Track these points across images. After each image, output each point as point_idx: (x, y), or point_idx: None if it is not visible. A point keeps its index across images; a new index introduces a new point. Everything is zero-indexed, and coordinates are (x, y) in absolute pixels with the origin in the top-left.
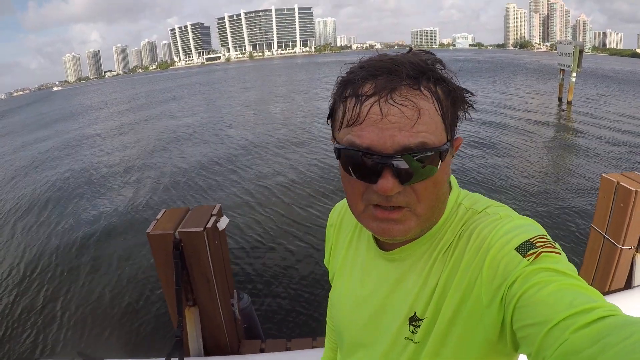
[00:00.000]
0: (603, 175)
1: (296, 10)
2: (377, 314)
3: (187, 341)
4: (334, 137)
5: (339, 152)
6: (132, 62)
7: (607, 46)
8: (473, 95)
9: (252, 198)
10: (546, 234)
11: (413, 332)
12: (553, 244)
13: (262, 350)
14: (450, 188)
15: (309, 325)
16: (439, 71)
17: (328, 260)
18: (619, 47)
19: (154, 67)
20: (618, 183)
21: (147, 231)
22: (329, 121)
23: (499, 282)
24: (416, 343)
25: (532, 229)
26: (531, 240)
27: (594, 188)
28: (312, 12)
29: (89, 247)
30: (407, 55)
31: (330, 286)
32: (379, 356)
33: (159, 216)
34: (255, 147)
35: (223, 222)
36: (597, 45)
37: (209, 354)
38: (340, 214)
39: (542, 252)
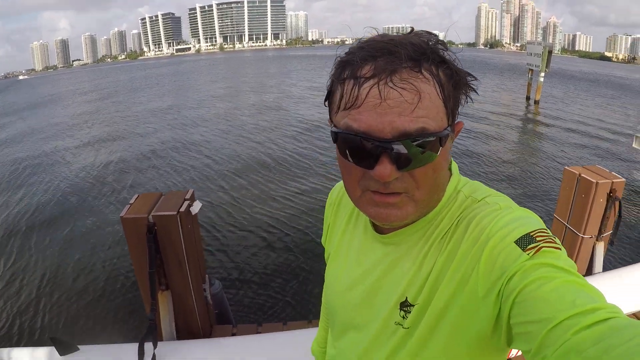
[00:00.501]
0: (565, 167)
1: (268, 3)
2: (370, 296)
3: (159, 325)
4: (331, 120)
5: (335, 136)
6: (101, 51)
7: (577, 48)
8: (476, 79)
9: (224, 185)
10: (545, 227)
11: (403, 318)
12: (553, 238)
13: (233, 335)
14: (451, 174)
15: (280, 310)
16: (441, 53)
17: (325, 239)
18: (588, 50)
19: (123, 56)
20: (580, 175)
21: (120, 215)
22: (326, 103)
23: (497, 275)
24: (406, 329)
25: (532, 221)
26: (531, 234)
27: (556, 180)
28: (284, 5)
29: (60, 233)
30: (408, 36)
31: (324, 268)
32: (369, 339)
33: (132, 201)
34: (227, 135)
35: (196, 207)
36: (566, 47)
37: (181, 338)
38: (340, 194)
39: (542, 246)
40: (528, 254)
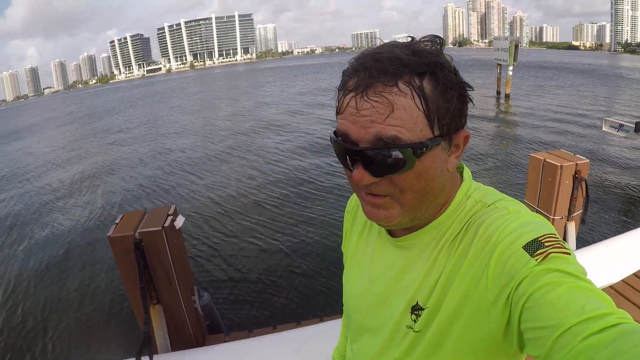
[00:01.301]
0: (531, 154)
1: (236, 18)
2: (382, 299)
3: (154, 338)
4: None
5: (330, 139)
6: (72, 77)
7: (544, 40)
8: (472, 88)
9: (204, 198)
10: (555, 232)
11: (414, 321)
12: (562, 243)
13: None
14: (462, 180)
15: (270, 315)
16: (429, 62)
17: (344, 246)
18: (555, 41)
19: (94, 81)
20: (545, 160)
21: (107, 234)
22: None
23: (506, 280)
24: (416, 332)
25: (540, 226)
26: (540, 239)
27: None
28: (252, 19)
29: (51, 257)
30: (395, 49)
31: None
32: (381, 342)
33: (117, 220)
34: (202, 150)
35: (179, 221)
36: (534, 39)
37: (175, 350)
38: (357, 202)
39: (550, 252)
40: (536, 260)
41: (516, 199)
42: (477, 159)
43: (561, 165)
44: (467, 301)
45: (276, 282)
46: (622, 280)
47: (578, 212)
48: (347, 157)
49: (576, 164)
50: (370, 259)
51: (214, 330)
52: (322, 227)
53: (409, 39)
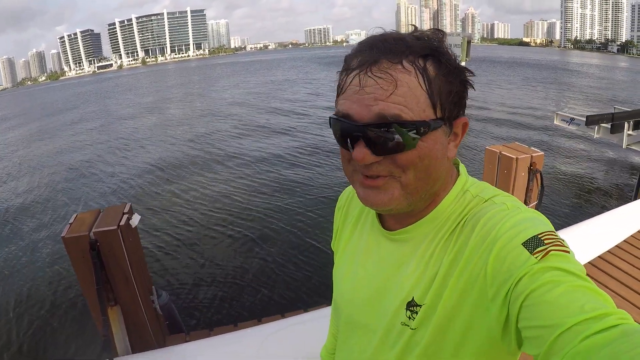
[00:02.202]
0: (487, 147)
1: (189, 13)
2: (375, 295)
3: (113, 341)
4: None
5: (329, 121)
6: (20, 74)
7: (496, 36)
8: (472, 74)
9: (158, 195)
10: (553, 229)
11: (410, 318)
12: (562, 241)
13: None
14: (458, 174)
15: (230, 312)
16: (431, 46)
17: (334, 243)
18: (506, 37)
19: (44, 78)
20: (500, 153)
21: (61, 235)
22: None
23: (505, 277)
24: (413, 329)
25: (539, 223)
26: (539, 236)
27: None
28: (204, 15)
29: (1, 264)
30: (400, 33)
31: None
32: (376, 340)
33: (71, 220)
34: (154, 146)
35: (135, 219)
36: (485, 36)
37: (136, 352)
38: (348, 198)
39: (550, 250)
40: (536, 257)
41: None
42: None
43: (517, 158)
44: (465, 297)
45: (236, 279)
46: None
47: (533, 203)
48: (348, 138)
49: (531, 156)
50: (363, 253)
51: (174, 330)
52: (281, 222)
53: (412, 27)
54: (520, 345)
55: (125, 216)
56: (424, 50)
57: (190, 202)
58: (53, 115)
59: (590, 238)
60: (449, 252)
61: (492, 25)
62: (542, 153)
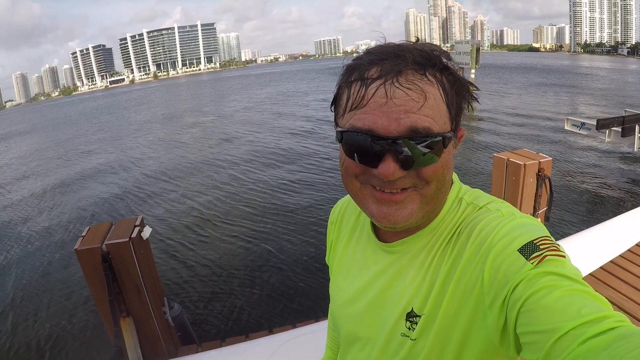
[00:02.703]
0: (495, 154)
1: (199, 27)
2: (374, 307)
3: (126, 352)
4: (336, 123)
5: (341, 135)
6: (34, 89)
7: (505, 43)
8: (477, 89)
9: (171, 208)
10: (549, 234)
11: (410, 329)
12: (557, 246)
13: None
14: (452, 182)
15: (242, 323)
16: (445, 61)
17: (329, 257)
18: (516, 43)
19: (57, 93)
20: (508, 160)
21: (74, 248)
22: (332, 108)
23: (502, 284)
24: (413, 340)
25: (535, 228)
26: (535, 242)
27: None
28: (215, 28)
29: (18, 277)
30: (414, 44)
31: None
32: (376, 352)
33: (84, 233)
34: (168, 160)
35: (147, 232)
36: (495, 42)
37: None
38: (341, 211)
39: (546, 255)
40: (532, 263)
41: None
42: None
43: (524, 164)
44: (464, 306)
45: (247, 289)
46: (590, 274)
47: (543, 210)
48: (371, 153)
49: (539, 162)
50: (359, 266)
51: (186, 341)
52: (293, 235)
53: (415, 39)
54: (519, 351)
55: (137, 228)
56: (440, 63)
57: (202, 213)
58: (66, 129)
59: (602, 242)
60: (446, 261)
61: (502, 32)
62: (550, 158)
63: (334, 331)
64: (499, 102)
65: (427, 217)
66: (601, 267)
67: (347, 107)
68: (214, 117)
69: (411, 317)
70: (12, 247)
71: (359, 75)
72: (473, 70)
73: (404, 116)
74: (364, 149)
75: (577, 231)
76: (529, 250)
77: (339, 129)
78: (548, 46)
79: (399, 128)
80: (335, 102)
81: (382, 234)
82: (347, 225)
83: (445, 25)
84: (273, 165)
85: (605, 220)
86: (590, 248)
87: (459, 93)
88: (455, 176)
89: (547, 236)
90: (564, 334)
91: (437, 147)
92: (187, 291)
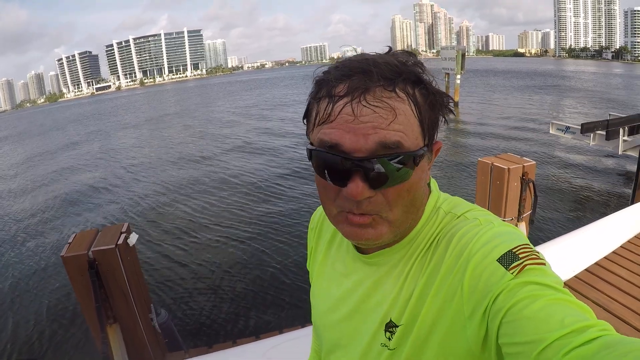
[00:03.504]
0: (479, 159)
1: (185, 34)
2: (353, 315)
3: (112, 359)
4: (308, 138)
5: (310, 153)
6: (20, 96)
7: (490, 48)
8: (452, 100)
9: (156, 215)
10: (528, 242)
11: (389, 339)
12: (537, 254)
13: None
14: (430, 191)
15: (228, 329)
16: (418, 73)
17: (309, 263)
18: (501, 48)
19: (43, 100)
20: (492, 164)
21: (61, 254)
22: (304, 121)
23: (482, 295)
24: (391, 350)
25: (513, 237)
26: (514, 251)
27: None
28: (201, 35)
29: (3, 283)
30: (384, 56)
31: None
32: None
33: (70, 240)
34: (152, 167)
35: (133, 238)
36: (481, 48)
37: None
38: (321, 217)
39: (526, 264)
40: (512, 273)
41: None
42: None
43: (508, 168)
44: (442, 315)
45: (234, 296)
46: (575, 276)
47: (527, 213)
48: (339, 172)
49: (523, 166)
50: (339, 275)
51: (173, 348)
52: (280, 241)
53: (387, 49)
54: None
55: (123, 235)
56: (412, 76)
57: (188, 221)
58: (52, 136)
59: (586, 245)
60: (424, 271)
61: (487, 38)
62: (534, 162)
63: (317, 338)
64: (484, 106)
65: (402, 234)
66: (586, 269)
67: (315, 122)
68: (201, 122)
69: (390, 327)
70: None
71: (327, 91)
72: (459, 76)
73: (371, 132)
74: (332, 168)
75: (562, 234)
76: (508, 259)
77: (308, 146)
78: (533, 51)
79: (367, 144)
80: (307, 116)
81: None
82: (326, 232)
83: (431, 31)
84: (260, 170)
85: (590, 222)
86: (575, 250)
87: (432, 106)
88: (434, 184)
89: (526, 244)
90: (548, 344)
91: (408, 164)
92: (174, 297)
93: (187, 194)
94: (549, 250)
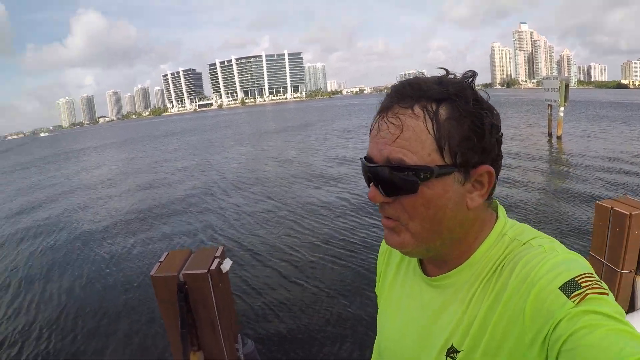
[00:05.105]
0: (597, 202)
1: (286, 56)
2: (419, 340)
3: None
4: None
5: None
6: (125, 107)
7: (592, 79)
8: (492, 117)
9: (254, 241)
10: (592, 271)
11: None
12: (600, 283)
13: None
14: (497, 218)
15: None
16: (450, 92)
17: (378, 287)
18: (603, 79)
19: (147, 113)
20: (612, 208)
21: (150, 273)
22: None
23: (543, 322)
24: None
25: (577, 265)
26: (576, 279)
27: (588, 216)
28: (301, 58)
29: (87, 291)
30: (426, 77)
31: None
32: None
33: (162, 259)
34: (254, 190)
35: (227, 264)
36: (582, 79)
37: None
38: None
39: (587, 293)
40: (573, 301)
41: (580, 251)
42: (527, 206)
43: (630, 214)
44: (504, 343)
45: (324, 330)
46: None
47: None
48: (366, 178)
49: None
50: (406, 298)
51: None
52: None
53: (444, 72)
54: None
55: (217, 260)
56: (439, 95)
57: (286, 249)
58: (159, 149)
59: None
60: (487, 297)
61: (589, 67)
62: None
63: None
64: (590, 141)
65: (442, 250)
66: None
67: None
68: (304, 147)
69: (451, 352)
70: (89, 259)
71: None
72: (562, 109)
73: (383, 147)
74: (364, 175)
75: None
76: (570, 287)
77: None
78: (637, 82)
79: (380, 157)
80: None
81: (427, 267)
82: (396, 256)
83: (531, 60)
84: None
85: None
86: None
87: (459, 122)
88: (502, 211)
89: (589, 273)
90: None
91: (410, 178)
92: (263, 328)
93: (292, 221)
94: None
